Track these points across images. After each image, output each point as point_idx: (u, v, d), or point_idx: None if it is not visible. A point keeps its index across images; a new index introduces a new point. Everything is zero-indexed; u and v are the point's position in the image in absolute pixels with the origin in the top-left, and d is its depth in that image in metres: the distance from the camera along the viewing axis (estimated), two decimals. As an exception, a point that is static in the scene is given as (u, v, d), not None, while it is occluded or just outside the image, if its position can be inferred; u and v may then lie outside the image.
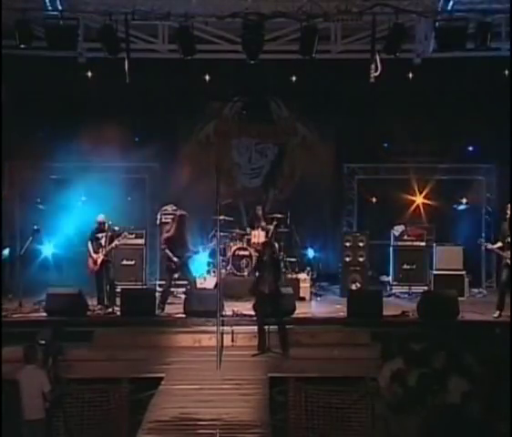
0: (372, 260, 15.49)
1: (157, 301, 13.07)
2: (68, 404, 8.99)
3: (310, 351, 11.35)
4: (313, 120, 16.92)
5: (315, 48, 12.61)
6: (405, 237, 15.78)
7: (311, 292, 14.80)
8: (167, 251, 13.38)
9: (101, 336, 11.77)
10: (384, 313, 12.63)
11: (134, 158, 15.93)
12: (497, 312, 12.64)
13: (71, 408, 9.06)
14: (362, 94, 14.63)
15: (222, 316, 11.40)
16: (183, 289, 13.94)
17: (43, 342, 8.91)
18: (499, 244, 12.98)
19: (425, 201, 16.39)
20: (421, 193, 16.39)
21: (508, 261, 12.64)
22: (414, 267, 15.57)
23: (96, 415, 9.21)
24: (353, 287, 14.85)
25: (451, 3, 12.88)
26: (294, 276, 14.84)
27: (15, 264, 14.14)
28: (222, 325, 11.21)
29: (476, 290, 15.68)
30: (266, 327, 11.35)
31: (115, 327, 12.30)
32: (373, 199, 16.87)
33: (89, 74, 14.73)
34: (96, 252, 13.27)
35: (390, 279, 15.70)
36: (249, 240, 15.17)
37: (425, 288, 14.97)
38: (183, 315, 12.74)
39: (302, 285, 14.57)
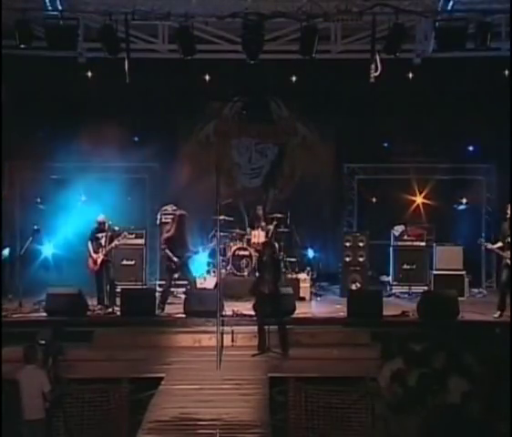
0: (372, 260, 15.49)
1: (157, 301, 13.07)
2: (68, 404, 8.98)
3: (310, 351, 11.35)
4: (313, 120, 16.93)
5: (315, 48, 12.61)
6: (405, 237, 15.78)
7: (311, 292, 14.80)
8: (167, 251, 13.39)
9: (101, 336, 11.77)
10: (384, 313, 12.63)
11: (134, 158, 15.92)
12: (498, 313, 12.64)
13: (71, 408, 9.05)
14: (362, 94, 14.63)
15: (222, 316, 11.39)
16: (183, 289, 13.94)
17: (43, 342, 8.90)
18: (499, 244, 12.98)
19: (425, 201, 16.39)
20: (421, 193, 16.39)
21: (508, 261, 12.64)
22: (414, 267, 15.57)
23: (96, 415, 9.21)
24: (353, 287, 14.85)
25: (451, 3, 12.88)
26: (294, 276, 14.84)
27: (15, 264, 14.15)
28: (222, 325, 11.20)
29: (476, 290, 15.69)
30: (266, 327, 11.35)
31: (115, 327, 12.30)
32: (373, 199, 16.87)
33: (89, 74, 14.74)
34: (96, 252, 13.27)
35: (390, 279, 15.70)
36: (249, 240, 15.17)
37: (425, 288, 14.97)
38: (183, 315, 12.73)
39: (302, 285, 14.57)
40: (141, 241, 15.56)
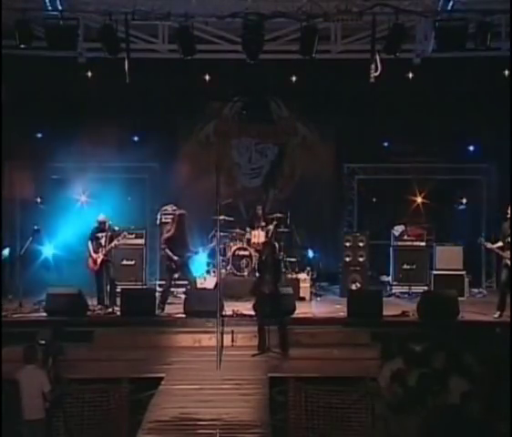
0: (372, 260, 15.50)
1: (157, 301, 13.07)
2: (68, 404, 8.98)
3: (310, 351, 11.34)
4: (313, 120, 16.93)
5: (315, 48, 12.59)
6: (405, 237, 15.78)
7: (311, 292, 14.80)
8: (167, 251, 13.39)
9: (101, 336, 11.77)
10: (384, 313, 12.62)
11: (134, 158, 15.91)
12: (498, 313, 12.63)
13: (71, 408, 9.06)
14: (362, 94, 14.63)
15: (222, 316, 11.39)
16: (183, 289, 13.94)
17: (43, 342, 8.90)
18: (500, 244, 12.98)
19: (425, 201, 16.39)
20: (421, 193, 16.39)
21: (508, 261, 12.64)
22: (414, 267, 15.56)
23: (96, 415, 9.21)
24: (353, 287, 14.85)
25: (451, 3, 12.87)
26: (294, 276, 14.84)
27: (15, 264, 14.15)
28: (222, 325, 11.20)
29: (476, 290, 15.69)
30: (266, 327, 11.35)
31: (115, 327, 12.30)
32: (373, 199, 16.88)
33: (89, 74, 14.73)
34: (95, 252, 13.27)
35: (390, 279, 15.70)
36: (249, 240, 15.17)
37: (425, 288, 14.97)
38: (183, 315, 12.73)
39: (302, 285, 14.58)
40: (141, 241, 15.56)
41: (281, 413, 9.52)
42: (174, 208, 14.90)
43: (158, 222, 15.57)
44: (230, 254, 15.04)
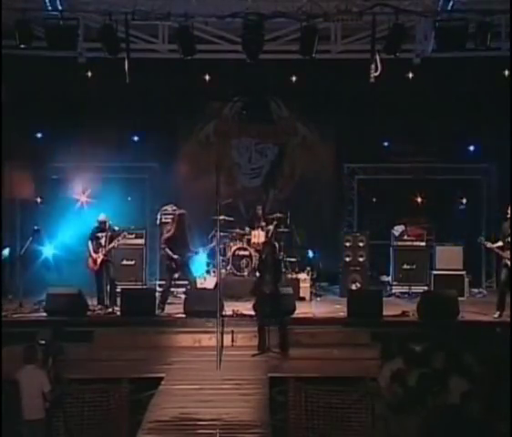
0: (372, 260, 15.51)
1: (157, 301, 13.08)
2: (68, 404, 8.98)
3: (310, 351, 11.34)
4: (313, 120, 16.93)
5: (315, 48, 12.59)
6: (405, 237, 15.77)
7: (311, 292, 14.79)
8: (167, 250, 13.39)
9: (101, 336, 11.76)
10: (384, 313, 12.63)
11: (134, 158, 15.94)
12: (497, 313, 12.63)
13: (71, 408, 9.06)
14: (362, 94, 14.63)
15: (222, 316, 11.39)
16: (183, 289, 13.94)
17: (43, 342, 8.91)
18: (500, 243, 12.97)
19: (425, 201, 16.38)
20: (421, 193, 16.38)
21: (507, 261, 12.64)
22: (414, 267, 15.55)
23: (96, 415, 9.21)
24: (353, 287, 14.86)
25: (451, 3, 12.87)
26: (294, 276, 14.84)
27: (15, 264, 14.16)
28: (222, 325, 11.21)
29: (476, 290, 15.69)
30: (266, 327, 11.35)
31: (115, 327, 12.29)
32: (373, 199, 16.89)
33: (89, 74, 14.73)
34: (95, 252, 13.27)
35: (390, 279, 15.70)
36: (249, 240, 15.17)
37: (425, 288, 14.97)
38: (183, 315, 12.73)
39: (302, 285, 14.58)
40: (141, 241, 15.56)
41: (281, 413, 9.52)
42: (174, 208, 14.90)
43: (158, 222, 15.57)
44: (230, 254, 15.04)
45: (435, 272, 15.24)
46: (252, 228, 15.28)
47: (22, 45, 12.47)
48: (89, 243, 13.34)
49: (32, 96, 14.91)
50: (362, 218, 16.97)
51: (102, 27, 12.54)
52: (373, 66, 12.68)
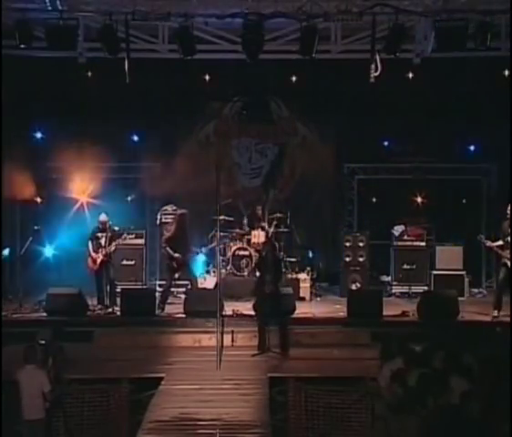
0: (372, 260, 15.52)
1: (157, 301, 13.08)
2: (68, 404, 8.98)
3: (310, 351, 11.35)
4: (313, 120, 16.90)
5: (315, 48, 12.60)
6: (405, 237, 15.77)
7: (311, 292, 14.80)
8: (168, 250, 13.39)
9: (101, 336, 11.77)
10: (384, 313, 12.64)
11: (134, 158, 15.93)
12: (495, 312, 12.62)
13: (71, 408, 9.05)
14: (362, 94, 14.61)
15: (222, 316, 11.40)
16: (183, 289, 13.94)
17: (43, 342, 8.91)
18: (500, 242, 12.97)
19: (425, 201, 16.37)
20: (421, 193, 16.36)
21: (506, 260, 12.63)
22: (414, 267, 15.56)
23: (96, 415, 9.21)
24: (353, 287, 14.87)
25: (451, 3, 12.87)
26: (294, 276, 14.85)
27: (15, 264, 14.15)
28: (222, 325, 11.21)
29: (476, 290, 15.70)
30: (266, 327, 11.34)
31: (115, 327, 12.30)
32: (373, 199, 16.88)
33: (89, 74, 14.73)
34: (95, 252, 13.28)
35: (390, 279, 15.70)
36: (249, 240, 15.18)
37: (425, 288, 14.98)
38: (183, 315, 12.74)
39: (302, 285, 14.59)
40: (141, 241, 15.55)
41: (281, 413, 9.52)
42: (174, 207, 14.92)
43: (158, 222, 15.57)
44: (230, 254, 15.05)
45: (435, 272, 15.24)
46: (252, 228, 15.28)
47: (22, 46, 12.47)
48: (89, 243, 13.35)
49: (32, 96, 14.90)
50: (362, 218, 16.96)
51: (102, 27, 12.54)
52: (373, 66, 12.68)
